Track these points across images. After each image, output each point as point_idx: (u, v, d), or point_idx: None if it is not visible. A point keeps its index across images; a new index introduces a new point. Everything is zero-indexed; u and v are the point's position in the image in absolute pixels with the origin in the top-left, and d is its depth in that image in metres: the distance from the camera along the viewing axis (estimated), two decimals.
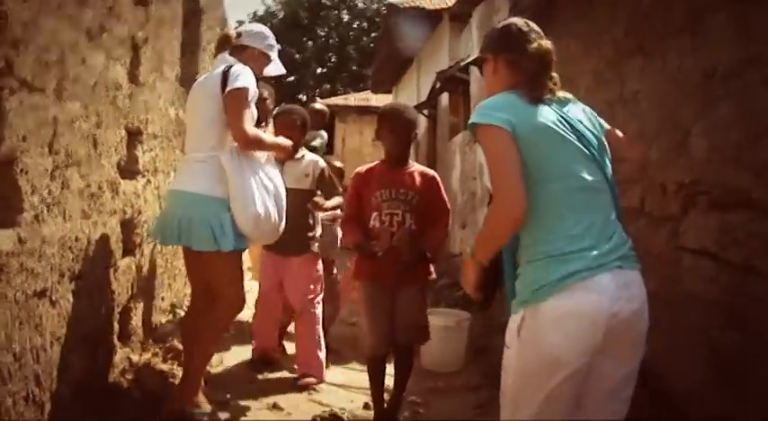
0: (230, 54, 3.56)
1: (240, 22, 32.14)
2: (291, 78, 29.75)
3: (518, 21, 2.41)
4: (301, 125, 4.44)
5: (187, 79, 5.36)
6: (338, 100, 21.82)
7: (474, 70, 8.75)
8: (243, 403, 3.91)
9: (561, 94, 2.32)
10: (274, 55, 3.80)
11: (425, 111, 12.50)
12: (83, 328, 2.98)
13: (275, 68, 3.86)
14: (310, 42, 31.73)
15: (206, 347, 3.50)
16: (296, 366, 4.42)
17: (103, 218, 3.28)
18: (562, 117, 2.24)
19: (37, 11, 2.36)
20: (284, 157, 4.14)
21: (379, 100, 19.92)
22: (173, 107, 4.78)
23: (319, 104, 7.36)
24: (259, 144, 3.46)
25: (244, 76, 3.36)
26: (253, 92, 3.41)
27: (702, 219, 3.43)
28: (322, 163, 4.50)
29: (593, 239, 2.09)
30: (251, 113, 3.43)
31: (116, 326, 3.65)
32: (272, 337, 4.66)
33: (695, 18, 3.50)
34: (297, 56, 30.34)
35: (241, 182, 3.30)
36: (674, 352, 3.35)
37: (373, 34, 31.38)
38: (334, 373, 4.47)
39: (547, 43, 2.32)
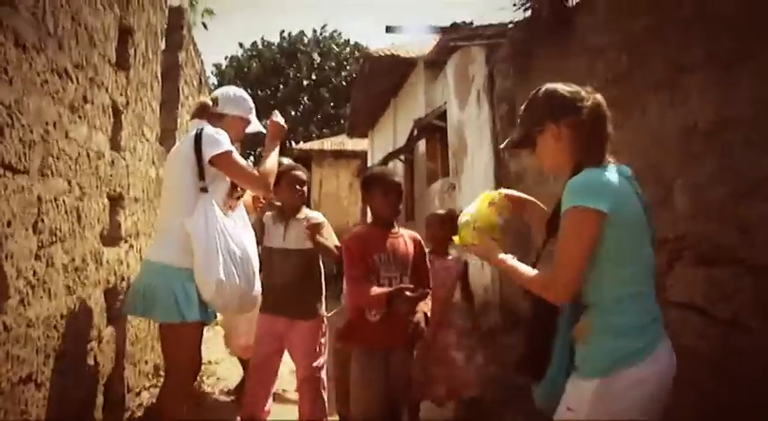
0: (209, 121, 3.50)
1: (217, 66, 32.31)
2: (265, 122, 29.76)
3: (557, 85, 2.39)
4: (306, 181, 4.33)
5: (166, 137, 5.35)
6: (314, 144, 21.88)
7: (451, 117, 8.85)
8: None
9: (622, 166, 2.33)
10: (253, 116, 3.78)
11: (402, 157, 12.56)
12: (68, 407, 2.90)
13: (253, 127, 3.83)
14: (283, 86, 31.84)
15: (170, 415, 3.35)
16: None
17: (88, 290, 3.22)
18: (636, 193, 2.26)
19: (21, 92, 2.33)
20: (289, 213, 4.17)
21: (355, 144, 20.02)
22: (153, 167, 4.76)
23: (286, 159, 6.83)
24: (271, 176, 3.55)
25: (221, 139, 3.33)
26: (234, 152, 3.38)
27: (689, 274, 3.46)
28: (322, 218, 4.30)
29: (656, 310, 2.24)
30: (248, 166, 3.43)
31: (100, 397, 3.55)
32: (264, 404, 4.32)
33: (674, 75, 3.56)
34: (271, 102, 30.42)
35: (205, 249, 3.21)
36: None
37: (343, 73, 31.65)
38: None
39: (598, 97, 2.32)
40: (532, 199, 2.64)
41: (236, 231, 3.40)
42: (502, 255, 2.37)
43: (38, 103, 2.49)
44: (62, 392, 2.80)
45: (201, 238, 3.21)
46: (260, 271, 3.71)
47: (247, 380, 4.32)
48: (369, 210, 3.64)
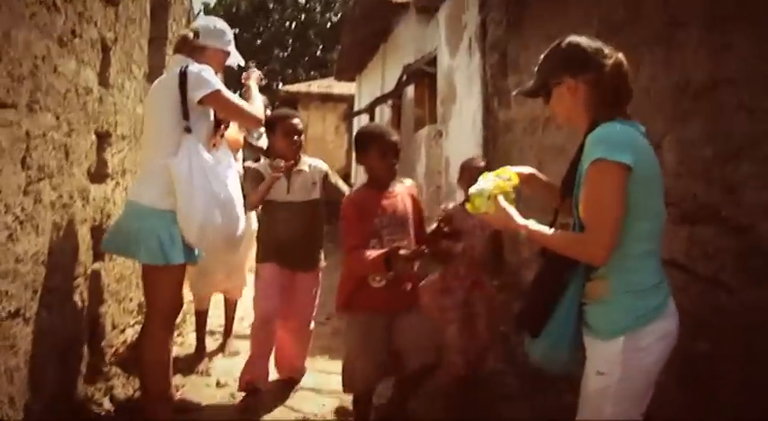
0: (189, 55, 3.44)
1: (206, 5, 31.66)
2: (252, 64, 29.41)
3: (581, 38, 2.36)
4: (302, 130, 4.16)
5: (154, 75, 5.27)
6: (301, 87, 21.58)
7: (441, 64, 8.77)
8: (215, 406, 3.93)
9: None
10: (232, 48, 3.71)
11: (389, 103, 12.48)
12: (55, 341, 2.93)
13: (234, 59, 3.75)
14: (270, 27, 31.30)
15: (151, 360, 3.38)
16: (278, 369, 4.29)
17: (75, 227, 3.22)
18: (652, 149, 2.28)
19: (9, 25, 2.29)
20: (288, 164, 3.99)
21: (342, 87, 19.80)
22: (140, 105, 4.70)
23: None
24: (261, 110, 3.60)
25: (209, 77, 3.29)
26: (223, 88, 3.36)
27: (671, 231, 3.48)
28: (324, 166, 4.21)
29: (662, 269, 2.30)
30: (240, 101, 3.44)
31: (86, 333, 3.59)
32: (267, 371, 4.10)
33: (670, 30, 3.54)
34: (258, 42, 29.99)
35: (188, 190, 3.20)
36: None
37: (328, 14, 31.13)
38: (305, 378, 4.42)
39: (620, 56, 2.31)
40: (532, 170, 2.64)
41: (220, 172, 3.36)
42: (523, 220, 2.33)
43: (26, 36, 2.45)
44: (49, 328, 2.82)
45: (185, 180, 3.19)
46: (260, 222, 3.97)
47: (252, 339, 4.06)
48: (364, 169, 3.46)
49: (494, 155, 6.48)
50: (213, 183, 3.28)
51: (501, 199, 2.38)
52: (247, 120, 3.55)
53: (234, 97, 3.40)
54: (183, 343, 5.02)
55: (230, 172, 3.45)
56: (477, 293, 4.04)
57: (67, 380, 3.23)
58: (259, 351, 3.98)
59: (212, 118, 3.43)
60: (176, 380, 4.08)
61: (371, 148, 3.33)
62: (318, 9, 31.91)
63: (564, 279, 2.32)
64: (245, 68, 4.03)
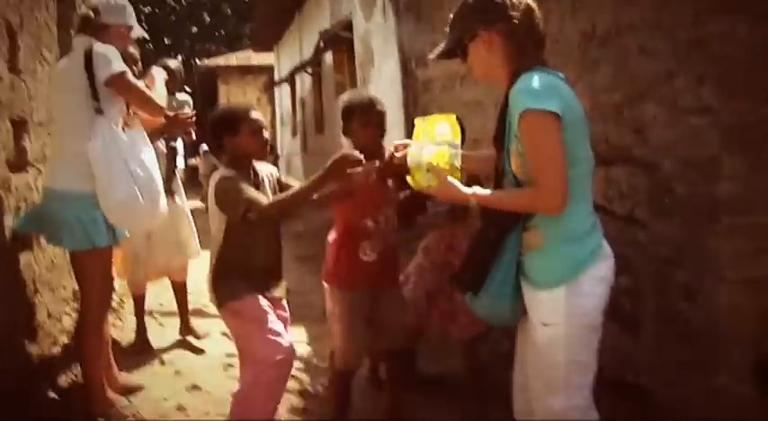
0: (93, 35, 3.40)
1: None
2: (166, 41, 28.72)
3: None
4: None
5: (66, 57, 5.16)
6: (219, 60, 21.30)
7: (357, 28, 8.79)
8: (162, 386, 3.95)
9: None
10: (134, 21, 3.66)
11: (309, 70, 12.44)
12: None
13: (136, 32, 3.73)
14: (183, 3, 30.53)
15: (89, 345, 3.42)
16: None
17: None
18: (575, 95, 2.30)
19: None
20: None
21: (261, 59, 19.59)
22: (51, 87, 4.61)
23: (173, 61, 5.53)
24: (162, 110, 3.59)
25: (114, 58, 3.27)
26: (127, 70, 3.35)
27: None
28: (274, 168, 3.41)
29: (594, 213, 2.35)
30: (143, 87, 3.43)
31: (22, 323, 3.57)
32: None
33: None
34: (171, 18, 29.28)
35: (107, 172, 3.20)
36: None
37: None
38: None
39: (530, 2, 2.29)
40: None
41: (136, 150, 3.36)
42: (467, 190, 2.30)
43: None
44: None
45: (102, 162, 3.19)
46: (225, 247, 3.04)
47: (262, 391, 2.98)
48: (351, 142, 3.24)
49: (415, 114, 6.58)
50: (130, 162, 3.28)
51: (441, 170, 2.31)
52: (150, 107, 3.48)
53: (139, 83, 3.39)
54: (124, 327, 5.01)
55: (146, 149, 3.45)
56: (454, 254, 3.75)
57: (7, 370, 3.21)
58: (272, 406, 3.05)
59: (122, 99, 3.42)
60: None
61: (356, 119, 3.16)
62: None
63: (503, 237, 2.32)
64: (156, 47, 3.98)
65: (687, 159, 2.83)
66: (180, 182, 4.88)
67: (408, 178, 2.41)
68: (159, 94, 3.59)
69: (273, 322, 2.98)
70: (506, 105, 2.27)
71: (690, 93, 2.78)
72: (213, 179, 2.96)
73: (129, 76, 3.31)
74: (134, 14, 3.68)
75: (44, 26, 4.35)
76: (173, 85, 5.00)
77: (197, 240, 4.79)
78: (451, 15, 2.46)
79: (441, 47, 2.51)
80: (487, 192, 2.29)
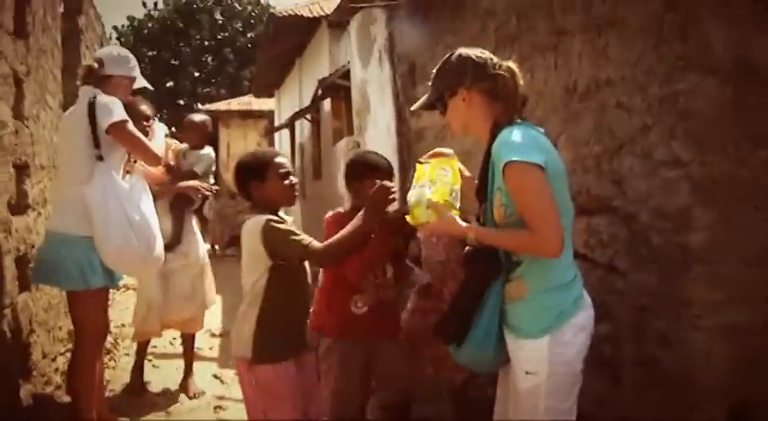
0: (96, 85, 3.58)
1: (116, 28, 31.07)
2: (169, 84, 29.09)
3: (470, 50, 2.48)
4: None
5: (69, 104, 5.31)
6: (221, 105, 21.57)
7: (354, 76, 8.99)
8: None
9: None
10: (137, 73, 3.85)
11: (308, 117, 12.64)
12: None
13: (139, 83, 3.91)
14: (186, 47, 30.96)
15: (81, 384, 3.54)
16: None
17: None
18: (554, 148, 2.40)
19: None
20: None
21: (261, 103, 19.89)
22: (57, 135, 4.75)
23: (199, 115, 5.54)
24: (160, 150, 3.76)
25: (116, 108, 3.44)
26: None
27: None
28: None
29: (574, 263, 2.44)
30: (141, 137, 3.58)
31: (18, 362, 3.65)
32: None
33: (557, 38, 3.82)
34: (173, 61, 29.71)
35: (104, 216, 3.35)
36: None
37: (249, 35, 30.98)
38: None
39: (511, 64, 2.41)
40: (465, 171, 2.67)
41: (134, 196, 3.52)
42: (465, 224, 2.37)
43: None
44: None
45: (100, 207, 3.35)
46: (270, 296, 2.83)
47: None
48: (352, 195, 3.24)
49: (409, 162, 6.73)
50: (127, 207, 3.44)
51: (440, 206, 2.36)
52: (147, 156, 3.63)
53: (137, 132, 3.54)
54: (117, 367, 5.07)
55: (144, 196, 3.61)
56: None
57: (2, 408, 3.28)
58: None
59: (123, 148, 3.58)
60: None
61: (359, 175, 3.15)
62: (240, 27, 31.72)
63: (486, 288, 2.38)
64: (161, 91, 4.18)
65: (661, 210, 2.95)
66: (196, 230, 4.85)
67: (408, 217, 2.45)
68: (158, 145, 3.73)
69: (291, 401, 2.82)
70: (488, 159, 2.37)
71: (663, 146, 2.91)
72: (251, 226, 2.80)
73: (129, 125, 3.47)
74: (137, 67, 3.84)
75: (49, 74, 4.52)
76: (199, 140, 5.00)
77: (213, 290, 4.87)
78: (435, 70, 2.59)
79: (423, 99, 2.66)
80: (486, 229, 2.37)
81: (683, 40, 2.82)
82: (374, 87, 8.04)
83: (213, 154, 5.19)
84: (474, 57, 2.45)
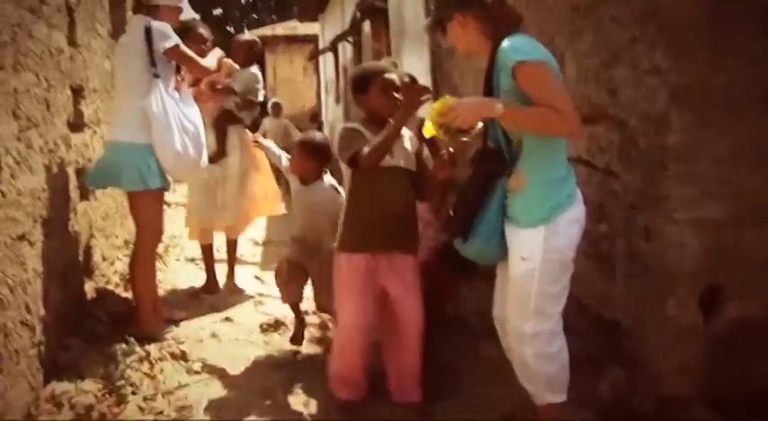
0: (147, 14, 3.97)
1: None
2: (217, 11, 29.29)
3: None
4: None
5: (117, 32, 5.70)
6: (266, 30, 21.73)
7: (391, 0, 9.17)
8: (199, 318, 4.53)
9: None
10: (183, 4, 4.23)
11: (350, 39, 12.85)
12: (56, 264, 3.48)
13: (186, 14, 4.36)
14: None
15: (141, 275, 4.04)
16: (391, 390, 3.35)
17: (62, 168, 3.74)
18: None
19: None
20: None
21: (306, 28, 20.01)
22: (108, 60, 5.16)
23: (248, 35, 6.00)
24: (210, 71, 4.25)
25: (170, 32, 3.90)
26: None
27: None
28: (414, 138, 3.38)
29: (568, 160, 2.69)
30: (194, 56, 4.06)
31: (81, 261, 4.16)
32: (362, 382, 3.32)
33: None
34: None
35: (163, 126, 3.81)
36: None
37: None
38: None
39: None
40: None
41: (186, 108, 3.99)
42: (498, 102, 2.49)
43: (3, 8, 2.93)
44: (50, 251, 3.37)
45: (159, 116, 3.80)
46: (350, 197, 3.18)
47: (335, 356, 3.30)
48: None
49: (440, 79, 7.03)
50: (182, 117, 3.92)
51: (451, 99, 2.53)
52: (198, 70, 4.19)
53: (190, 52, 4.02)
54: (167, 271, 5.59)
55: (193, 108, 4.09)
56: None
57: (69, 297, 3.79)
58: (348, 369, 3.26)
59: (174, 66, 4.04)
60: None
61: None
62: None
63: (492, 183, 2.62)
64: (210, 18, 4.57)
65: (646, 115, 3.22)
66: (240, 145, 5.09)
67: (424, 131, 2.64)
68: (209, 63, 4.26)
69: (359, 292, 3.11)
70: (490, 73, 2.61)
71: (646, 56, 3.16)
72: (340, 128, 3.22)
73: (183, 47, 3.94)
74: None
75: (97, 4, 4.89)
76: (245, 59, 5.26)
77: (272, 200, 5.26)
78: None
79: (427, 22, 2.96)
80: (517, 106, 2.49)
81: None
82: (409, 9, 8.24)
83: (258, 73, 5.40)
84: None
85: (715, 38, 2.99)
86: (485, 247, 2.70)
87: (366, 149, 2.99)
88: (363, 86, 3.16)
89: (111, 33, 5.34)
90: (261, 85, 5.35)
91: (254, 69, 5.37)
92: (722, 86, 3.01)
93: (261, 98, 5.31)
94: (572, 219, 2.60)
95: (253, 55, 5.43)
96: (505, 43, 2.51)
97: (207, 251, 5.21)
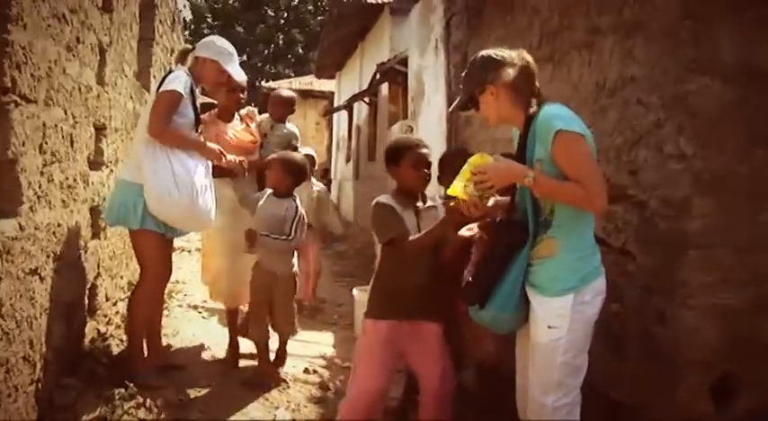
0: (183, 63, 4.04)
1: (191, 1, 31.70)
2: (241, 58, 29.78)
3: (490, 50, 2.78)
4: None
5: (142, 73, 5.80)
6: (283, 84, 22.12)
7: (411, 63, 9.32)
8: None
9: None
10: (226, 59, 4.09)
11: (366, 99, 13.02)
12: (62, 302, 3.45)
13: (238, 76, 4.21)
14: (262, 24, 31.52)
15: (138, 316, 3.97)
16: None
17: (77, 206, 3.75)
18: None
19: (31, 36, 2.81)
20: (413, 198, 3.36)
21: (322, 85, 20.34)
22: (131, 101, 5.22)
23: (287, 90, 5.97)
24: (168, 139, 3.82)
25: (176, 81, 3.82)
26: (184, 95, 3.83)
27: None
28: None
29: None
30: (169, 112, 3.81)
31: (86, 300, 4.12)
32: None
33: (593, 37, 4.10)
34: (250, 38, 30.41)
35: (152, 168, 3.76)
36: None
37: (319, 17, 31.47)
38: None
39: (525, 55, 2.75)
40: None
41: (188, 160, 3.87)
42: (524, 167, 2.58)
43: (43, 44, 2.97)
44: (58, 288, 3.34)
45: (150, 158, 3.77)
46: (380, 263, 3.27)
47: None
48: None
49: (456, 146, 7.08)
50: (175, 165, 3.81)
51: (489, 157, 2.64)
52: (151, 125, 3.77)
53: (169, 106, 3.79)
54: (169, 315, 5.52)
55: (200, 164, 3.96)
56: None
57: (72, 336, 3.75)
58: None
59: (192, 116, 3.96)
60: None
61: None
62: (311, 8, 32.19)
63: (513, 254, 2.65)
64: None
65: (667, 199, 3.23)
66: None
67: (449, 191, 2.69)
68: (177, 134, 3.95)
69: (377, 360, 3.17)
70: (525, 135, 2.67)
71: (671, 140, 3.18)
72: (372, 204, 3.23)
73: (168, 95, 3.78)
74: (230, 55, 4.13)
75: (127, 45, 4.97)
76: (283, 113, 5.33)
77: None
78: (462, 74, 2.92)
79: (457, 101, 2.95)
80: (547, 177, 2.56)
81: (696, 45, 3.09)
82: (429, 74, 8.36)
83: (296, 129, 5.46)
84: (494, 55, 2.74)
85: (742, 127, 3.01)
86: (498, 316, 2.72)
87: (402, 234, 3.10)
88: (396, 158, 3.24)
89: (137, 74, 5.40)
90: (299, 142, 5.36)
91: (292, 125, 5.44)
92: (745, 175, 3.02)
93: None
94: (598, 291, 2.65)
95: (291, 111, 5.55)
96: (548, 109, 2.60)
97: (233, 316, 4.81)
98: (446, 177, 3.32)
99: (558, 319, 2.58)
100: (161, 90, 3.80)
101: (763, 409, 3.04)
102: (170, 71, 3.91)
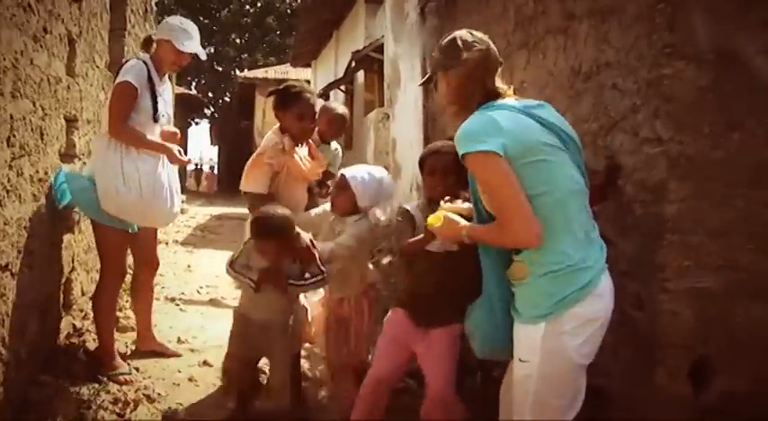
0: (146, 50, 4.00)
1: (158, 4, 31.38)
2: (209, 49, 29.49)
3: (461, 32, 2.56)
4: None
5: (114, 64, 5.70)
6: (258, 73, 22.00)
7: (387, 50, 9.27)
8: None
9: (527, 100, 2.60)
10: (179, 36, 3.97)
11: (342, 87, 12.96)
12: (35, 297, 3.40)
13: (192, 48, 4.03)
14: (225, 11, 31.14)
15: (101, 310, 3.96)
16: None
17: (49, 199, 3.68)
18: (541, 123, 2.41)
19: None
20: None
21: (298, 73, 20.21)
22: (103, 92, 5.14)
23: (340, 106, 5.00)
24: (126, 139, 3.78)
25: (129, 71, 3.78)
26: (137, 85, 3.77)
27: None
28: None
29: (591, 242, 2.41)
30: (126, 107, 3.78)
31: (61, 295, 4.07)
32: None
33: (567, 23, 4.08)
34: (213, 28, 30.07)
35: (102, 162, 3.76)
36: None
37: (290, 1, 31.24)
38: None
39: (484, 50, 2.48)
40: None
41: (140, 157, 3.82)
42: (464, 222, 2.40)
43: (8, 34, 2.91)
44: (31, 284, 3.29)
45: (101, 155, 3.77)
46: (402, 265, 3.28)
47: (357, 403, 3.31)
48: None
49: (432, 134, 7.06)
50: (125, 161, 3.76)
51: (441, 216, 2.50)
52: (110, 121, 3.77)
53: (125, 99, 3.77)
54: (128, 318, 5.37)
55: (156, 161, 3.90)
56: None
57: (46, 332, 3.70)
58: (363, 414, 3.28)
59: (149, 106, 3.88)
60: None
61: (422, 167, 3.27)
62: None
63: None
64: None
65: (643, 183, 3.23)
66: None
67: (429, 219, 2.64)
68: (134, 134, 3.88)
69: (386, 346, 3.27)
70: None
71: (647, 125, 3.18)
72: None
73: (122, 87, 3.75)
74: (185, 33, 4.01)
75: (97, 35, 4.88)
76: (335, 133, 4.75)
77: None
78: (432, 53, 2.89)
79: (425, 78, 2.94)
80: (477, 226, 2.40)
81: (670, 29, 3.08)
82: (405, 62, 8.32)
83: (340, 149, 5.04)
84: (459, 41, 2.50)
85: (717, 112, 3.01)
86: (492, 343, 2.54)
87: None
88: (420, 165, 3.27)
89: (108, 65, 5.31)
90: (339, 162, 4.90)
91: (336, 144, 4.99)
92: (720, 159, 3.03)
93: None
94: (585, 318, 2.23)
95: (343, 130, 4.96)
96: (462, 125, 2.33)
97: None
98: (427, 177, 3.23)
99: (528, 351, 2.23)
100: (115, 82, 3.79)
101: (737, 392, 3.06)
102: (126, 61, 3.84)
